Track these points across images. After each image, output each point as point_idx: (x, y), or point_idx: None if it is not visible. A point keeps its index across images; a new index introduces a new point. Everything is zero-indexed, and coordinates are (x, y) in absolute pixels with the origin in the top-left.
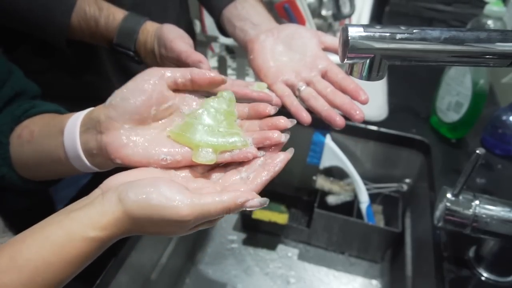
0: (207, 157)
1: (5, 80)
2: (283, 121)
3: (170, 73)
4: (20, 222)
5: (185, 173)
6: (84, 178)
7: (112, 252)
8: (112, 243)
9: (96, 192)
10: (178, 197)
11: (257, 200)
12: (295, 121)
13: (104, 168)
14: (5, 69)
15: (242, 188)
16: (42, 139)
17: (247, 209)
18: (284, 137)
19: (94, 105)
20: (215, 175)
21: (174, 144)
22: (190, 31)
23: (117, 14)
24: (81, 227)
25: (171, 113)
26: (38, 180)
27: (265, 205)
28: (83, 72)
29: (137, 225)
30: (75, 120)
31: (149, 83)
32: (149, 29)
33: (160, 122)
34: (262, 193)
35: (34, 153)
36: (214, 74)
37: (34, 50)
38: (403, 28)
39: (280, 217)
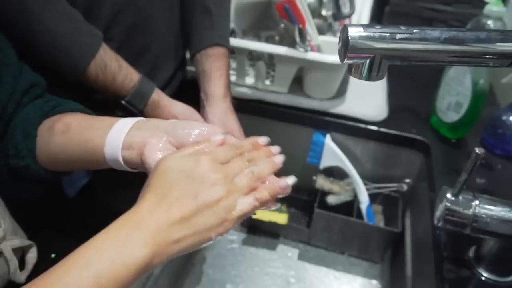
0: None
1: (20, 71)
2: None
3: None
4: (30, 215)
5: None
6: (84, 178)
7: None
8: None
9: None
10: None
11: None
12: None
13: (128, 164)
14: (17, 61)
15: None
16: (82, 130)
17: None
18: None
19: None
20: None
21: None
22: None
23: (134, 76)
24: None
25: None
26: (57, 171)
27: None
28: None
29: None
30: (130, 120)
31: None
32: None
33: None
34: None
35: (67, 144)
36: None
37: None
38: (403, 28)
39: (280, 217)
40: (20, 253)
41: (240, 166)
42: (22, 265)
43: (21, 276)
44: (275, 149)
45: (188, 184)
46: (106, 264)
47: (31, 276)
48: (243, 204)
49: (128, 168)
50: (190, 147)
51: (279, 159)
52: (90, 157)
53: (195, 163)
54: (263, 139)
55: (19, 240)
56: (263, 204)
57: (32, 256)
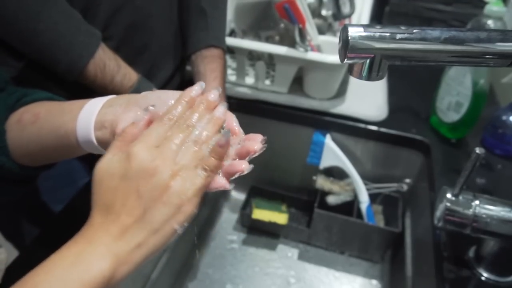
0: None
1: None
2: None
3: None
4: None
5: None
6: (84, 178)
7: None
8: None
9: None
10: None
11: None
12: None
13: (103, 145)
14: None
15: None
16: (51, 117)
17: None
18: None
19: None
20: None
21: None
22: None
23: (132, 75)
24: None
25: None
26: (34, 166)
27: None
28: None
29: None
30: (100, 99)
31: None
32: None
33: None
34: (262, 192)
35: (38, 133)
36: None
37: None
38: (403, 28)
39: (280, 217)
40: None
41: (178, 139)
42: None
43: None
44: (213, 95)
45: (126, 185)
46: (57, 285)
47: (5, 278)
48: (194, 180)
49: (105, 150)
50: (116, 141)
51: (220, 111)
52: (64, 144)
53: (126, 160)
54: (195, 90)
55: None
56: (215, 170)
57: (1, 257)
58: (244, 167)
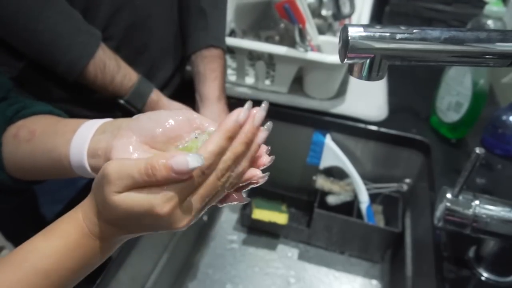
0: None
1: None
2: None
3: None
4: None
5: None
6: (84, 178)
7: None
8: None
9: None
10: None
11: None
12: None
13: (97, 173)
14: None
15: None
16: (46, 137)
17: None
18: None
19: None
20: None
21: None
22: None
23: (132, 75)
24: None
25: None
26: (28, 180)
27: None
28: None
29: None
30: (94, 123)
31: (178, 122)
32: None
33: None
34: (262, 192)
35: (33, 152)
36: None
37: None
38: (403, 28)
39: (280, 217)
40: None
41: (208, 197)
42: None
43: None
44: (259, 116)
45: (145, 227)
46: (66, 273)
47: None
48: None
49: None
50: (146, 180)
51: (260, 139)
52: (57, 166)
53: (154, 216)
54: (241, 116)
55: None
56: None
57: None
58: (259, 175)
